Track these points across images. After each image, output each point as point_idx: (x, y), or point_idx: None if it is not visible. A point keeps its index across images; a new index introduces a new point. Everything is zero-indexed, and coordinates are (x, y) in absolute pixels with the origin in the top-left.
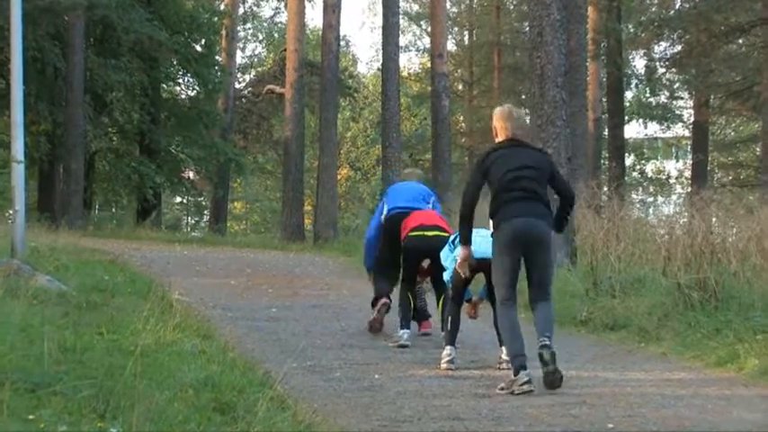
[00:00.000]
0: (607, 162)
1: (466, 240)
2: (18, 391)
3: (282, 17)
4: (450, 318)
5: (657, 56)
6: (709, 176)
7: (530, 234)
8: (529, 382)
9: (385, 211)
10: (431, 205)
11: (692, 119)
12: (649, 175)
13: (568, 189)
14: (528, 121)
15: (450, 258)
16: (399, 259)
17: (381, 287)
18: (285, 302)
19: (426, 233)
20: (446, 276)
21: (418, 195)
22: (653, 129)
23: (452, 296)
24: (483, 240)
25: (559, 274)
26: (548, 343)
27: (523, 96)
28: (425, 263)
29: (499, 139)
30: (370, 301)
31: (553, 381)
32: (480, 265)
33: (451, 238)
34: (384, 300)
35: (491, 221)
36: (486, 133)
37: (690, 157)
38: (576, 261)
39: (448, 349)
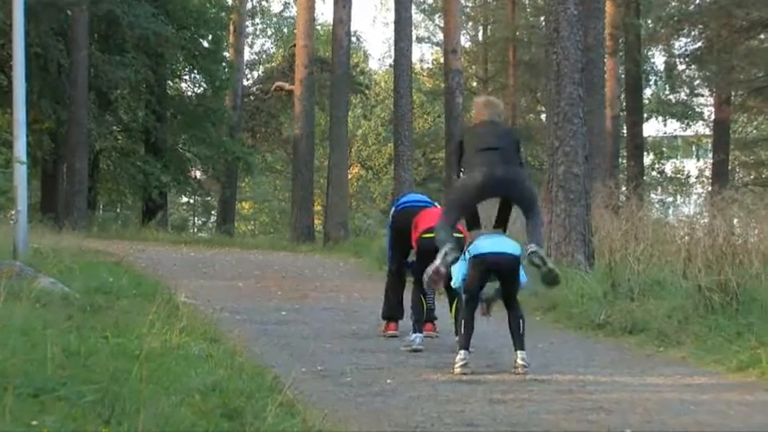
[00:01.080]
0: (625, 161)
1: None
2: (21, 396)
3: (292, 12)
4: (463, 321)
5: (677, 52)
6: (731, 176)
7: (503, 179)
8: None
9: (393, 210)
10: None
11: (713, 116)
12: (669, 174)
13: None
14: (503, 110)
15: (462, 264)
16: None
17: (391, 307)
18: (294, 305)
19: None
20: (455, 284)
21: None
22: (672, 127)
23: (466, 299)
24: (498, 239)
25: (576, 276)
26: (535, 249)
27: (539, 93)
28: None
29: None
30: (381, 305)
31: (551, 278)
32: (493, 265)
33: (467, 248)
34: (393, 330)
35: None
36: None
37: (710, 155)
38: (593, 262)
39: (462, 353)
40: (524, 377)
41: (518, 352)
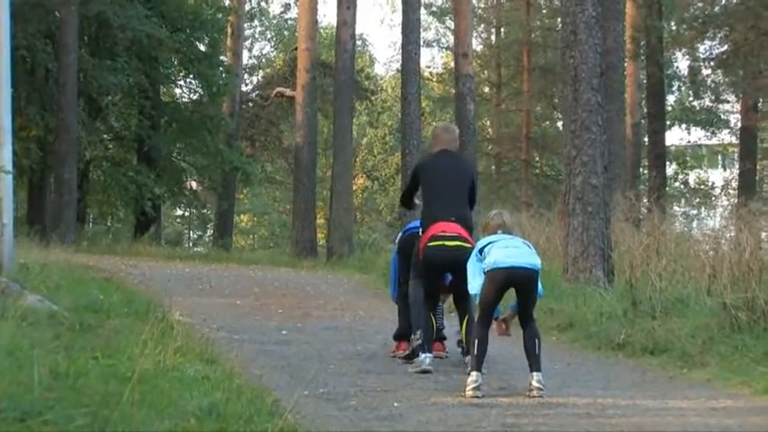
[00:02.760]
0: (647, 171)
1: None
2: (6, 420)
3: (293, 13)
4: (477, 340)
5: (702, 55)
6: (758, 187)
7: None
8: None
9: (399, 236)
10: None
11: (740, 124)
12: (693, 185)
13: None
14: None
15: (479, 269)
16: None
17: (403, 326)
18: (296, 324)
19: (447, 243)
20: (473, 290)
21: None
22: (697, 135)
23: (480, 315)
24: (516, 250)
25: (595, 293)
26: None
27: (555, 99)
28: (447, 279)
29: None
30: (388, 324)
31: None
32: (511, 278)
33: (479, 245)
34: (405, 350)
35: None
36: (515, 140)
37: (736, 165)
38: (612, 279)
39: (474, 375)
40: (539, 400)
41: (533, 374)
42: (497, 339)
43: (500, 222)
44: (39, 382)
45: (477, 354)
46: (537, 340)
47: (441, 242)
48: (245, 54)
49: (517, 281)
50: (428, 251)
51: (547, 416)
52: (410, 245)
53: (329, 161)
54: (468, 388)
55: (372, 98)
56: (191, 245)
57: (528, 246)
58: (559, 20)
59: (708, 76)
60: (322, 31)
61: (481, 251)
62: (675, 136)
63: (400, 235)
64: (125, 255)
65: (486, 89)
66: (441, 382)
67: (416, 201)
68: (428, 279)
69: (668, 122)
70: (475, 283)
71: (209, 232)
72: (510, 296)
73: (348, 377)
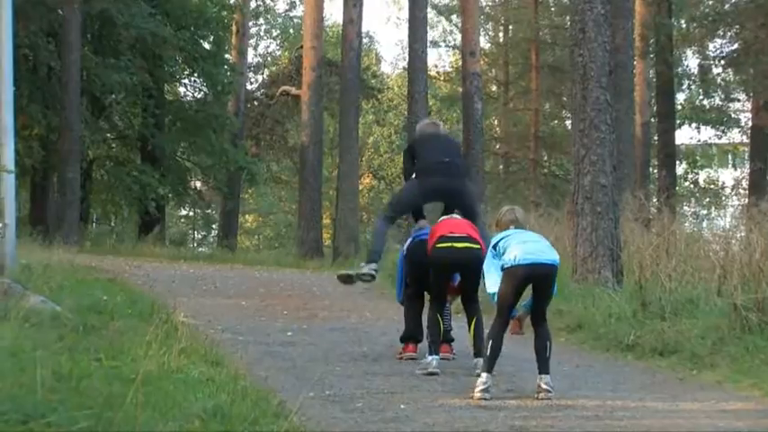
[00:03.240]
0: (656, 171)
1: None
2: (9, 422)
3: (298, 11)
4: (491, 341)
5: (712, 54)
6: None
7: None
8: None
9: (408, 241)
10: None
11: (750, 123)
12: (703, 184)
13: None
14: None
15: (495, 266)
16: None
17: (410, 328)
18: (301, 325)
19: (456, 244)
20: (490, 289)
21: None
22: (707, 134)
23: (497, 315)
24: (535, 245)
25: (604, 294)
26: None
27: (564, 98)
28: (455, 280)
29: None
30: (395, 325)
31: None
32: (532, 275)
33: (493, 241)
34: (411, 352)
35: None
36: (523, 139)
37: (747, 165)
38: (621, 280)
39: (484, 377)
40: (548, 402)
41: (542, 376)
42: (507, 339)
43: (512, 219)
44: (41, 383)
45: (490, 354)
46: (549, 343)
47: (449, 243)
48: (251, 52)
49: (538, 278)
50: (436, 252)
51: (555, 418)
52: (417, 252)
53: (335, 160)
54: (476, 390)
55: (379, 97)
56: (195, 245)
57: (545, 240)
58: (568, 17)
59: (718, 74)
60: (328, 29)
61: (495, 246)
62: (685, 135)
63: (409, 240)
64: (129, 255)
65: (494, 88)
66: (448, 384)
67: None
68: (436, 281)
69: (678, 121)
70: (491, 281)
71: (214, 232)
72: (526, 293)
73: (354, 379)
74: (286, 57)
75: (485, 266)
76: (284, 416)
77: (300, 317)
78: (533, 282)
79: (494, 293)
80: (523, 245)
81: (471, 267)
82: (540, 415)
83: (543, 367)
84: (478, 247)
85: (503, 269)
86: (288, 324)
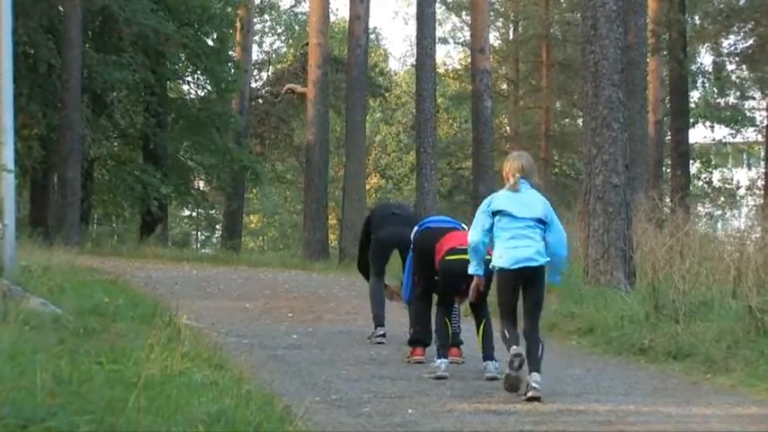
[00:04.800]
0: (670, 170)
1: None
2: (8, 426)
3: (304, 7)
4: (505, 331)
5: (726, 50)
6: None
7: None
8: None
9: (414, 230)
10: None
11: (765, 121)
12: (717, 184)
13: None
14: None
15: (481, 221)
16: (432, 286)
17: (417, 331)
18: (307, 328)
19: (465, 256)
20: (470, 237)
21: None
22: (721, 133)
23: (502, 316)
24: (524, 250)
25: (616, 296)
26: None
27: (575, 96)
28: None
29: None
30: (402, 328)
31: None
32: (520, 278)
33: (489, 201)
34: (419, 356)
35: None
36: (533, 138)
37: (762, 164)
38: (634, 281)
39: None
40: (559, 407)
41: (533, 374)
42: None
43: (518, 167)
44: (41, 387)
45: (509, 337)
46: (541, 345)
47: (459, 255)
48: (255, 49)
49: (525, 279)
50: (447, 264)
51: (566, 423)
52: (425, 241)
53: (341, 160)
54: (529, 391)
55: (386, 95)
56: (198, 246)
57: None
58: (579, 14)
59: (732, 71)
60: (334, 25)
61: (489, 205)
62: (699, 134)
63: (416, 229)
64: (130, 256)
65: (504, 86)
66: (457, 389)
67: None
68: (445, 289)
69: (692, 120)
70: (474, 233)
71: (218, 233)
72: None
73: (361, 383)
74: (291, 54)
75: (476, 218)
76: (289, 420)
77: (306, 319)
78: (522, 283)
79: (473, 242)
80: (514, 250)
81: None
82: (550, 420)
83: (534, 366)
84: (488, 258)
85: (493, 269)
86: (293, 327)
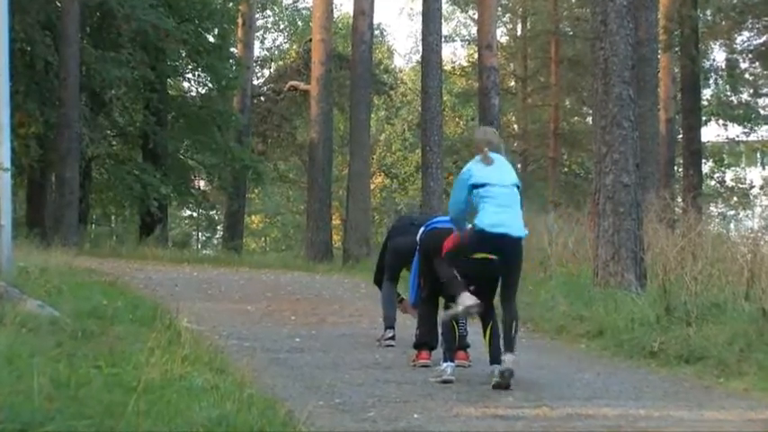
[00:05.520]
0: (681, 169)
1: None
2: (5, 431)
3: (307, 2)
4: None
5: (739, 47)
6: None
7: None
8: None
9: (420, 231)
10: None
11: None
12: (730, 184)
13: None
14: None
15: (460, 187)
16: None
17: (423, 334)
18: (310, 331)
19: (472, 256)
20: (450, 205)
21: None
22: (734, 131)
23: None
24: (507, 215)
25: (626, 298)
26: None
27: (585, 94)
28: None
29: None
30: (407, 331)
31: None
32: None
33: (470, 169)
34: (425, 359)
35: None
36: (542, 136)
37: None
38: (645, 283)
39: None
40: (568, 411)
41: (506, 354)
42: (522, 350)
43: (487, 141)
44: (39, 391)
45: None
46: (516, 322)
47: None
48: (257, 45)
49: (504, 249)
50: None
51: (575, 428)
52: (433, 242)
53: (345, 159)
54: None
55: (391, 92)
56: (199, 247)
57: (514, 187)
58: (589, 9)
59: (746, 68)
60: (338, 20)
61: (470, 175)
62: (712, 132)
63: (422, 230)
64: (130, 258)
65: (512, 83)
66: (463, 393)
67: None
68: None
69: (704, 118)
70: (454, 206)
71: (219, 234)
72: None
73: (365, 387)
74: (294, 50)
75: (454, 186)
76: (292, 425)
77: (309, 322)
78: (498, 252)
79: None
80: (497, 215)
81: (488, 279)
82: (559, 424)
83: (508, 345)
84: (495, 258)
85: (473, 227)
86: (296, 330)
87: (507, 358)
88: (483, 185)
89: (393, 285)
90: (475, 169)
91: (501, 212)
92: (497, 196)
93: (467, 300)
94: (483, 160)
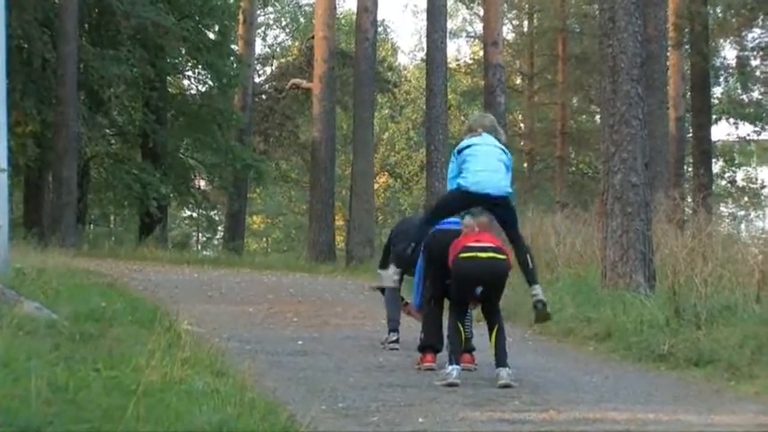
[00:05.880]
0: (691, 169)
1: None
2: None
3: None
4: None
5: (750, 44)
6: None
7: None
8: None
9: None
10: None
11: None
12: (741, 183)
13: None
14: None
15: (452, 170)
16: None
17: (428, 337)
18: (313, 333)
19: (479, 255)
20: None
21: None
22: (745, 130)
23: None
24: (491, 176)
25: (635, 300)
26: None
27: (592, 91)
28: (478, 290)
29: None
30: (412, 333)
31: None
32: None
33: (460, 146)
34: (430, 362)
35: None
36: (549, 135)
37: None
38: (654, 285)
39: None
40: (576, 415)
41: (534, 286)
42: (529, 353)
43: (481, 123)
44: (36, 395)
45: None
46: (530, 255)
47: (473, 254)
48: (258, 43)
49: (493, 210)
50: (458, 263)
51: None
52: (437, 243)
53: (348, 158)
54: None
55: (395, 90)
56: (199, 248)
57: (503, 157)
58: (597, 6)
59: (757, 66)
60: (341, 17)
61: (460, 152)
62: (722, 131)
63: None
64: (129, 259)
65: (518, 80)
66: (469, 396)
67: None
68: (458, 292)
69: (714, 116)
70: (449, 178)
71: (219, 235)
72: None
73: (369, 391)
74: (296, 47)
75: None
76: (294, 430)
77: (311, 324)
78: (491, 211)
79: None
80: (479, 173)
81: (495, 279)
82: (566, 428)
83: (532, 277)
84: (504, 257)
85: (457, 186)
86: (298, 332)
87: (536, 290)
88: (468, 146)
89: (397, 290)
90: (462, 143)
91: (483, 171)
92: (480, 155)
93: (453, 374)
94: (473, 135)
